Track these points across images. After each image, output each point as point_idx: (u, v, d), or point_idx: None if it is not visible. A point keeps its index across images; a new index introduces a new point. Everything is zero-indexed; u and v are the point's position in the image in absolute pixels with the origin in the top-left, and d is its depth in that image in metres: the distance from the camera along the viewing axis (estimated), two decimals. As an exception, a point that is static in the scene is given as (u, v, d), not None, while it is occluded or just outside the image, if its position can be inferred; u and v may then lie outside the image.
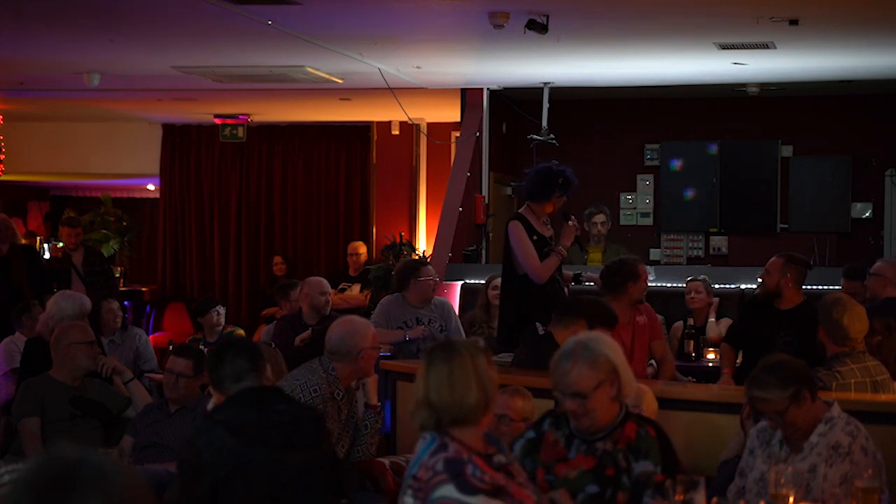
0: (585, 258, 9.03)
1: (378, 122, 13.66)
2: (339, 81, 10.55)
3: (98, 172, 14.84)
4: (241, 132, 13.55)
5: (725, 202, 11.63)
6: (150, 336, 10.51)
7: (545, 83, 10.66)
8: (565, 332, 5.24)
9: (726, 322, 7.92)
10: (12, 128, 13.30)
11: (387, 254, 10.60)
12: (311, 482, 3.93)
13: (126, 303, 12.13)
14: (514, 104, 11.65)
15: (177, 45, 9.12)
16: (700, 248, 11.84)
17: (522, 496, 3.37)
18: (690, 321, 8.14)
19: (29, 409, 5.82)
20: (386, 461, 5.23)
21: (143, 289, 14.43)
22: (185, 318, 13.08)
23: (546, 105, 10.78)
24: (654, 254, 11.81)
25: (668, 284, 8.94)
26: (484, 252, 10.77)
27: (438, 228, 10.31)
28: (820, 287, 7.68)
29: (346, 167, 13.84)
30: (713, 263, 11.04)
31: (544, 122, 10.71)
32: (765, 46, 8.66)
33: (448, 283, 9.49)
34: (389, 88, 10.23)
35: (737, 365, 6.65)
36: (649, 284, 6.78)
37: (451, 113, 11.68)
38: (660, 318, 7.29)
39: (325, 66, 9.77)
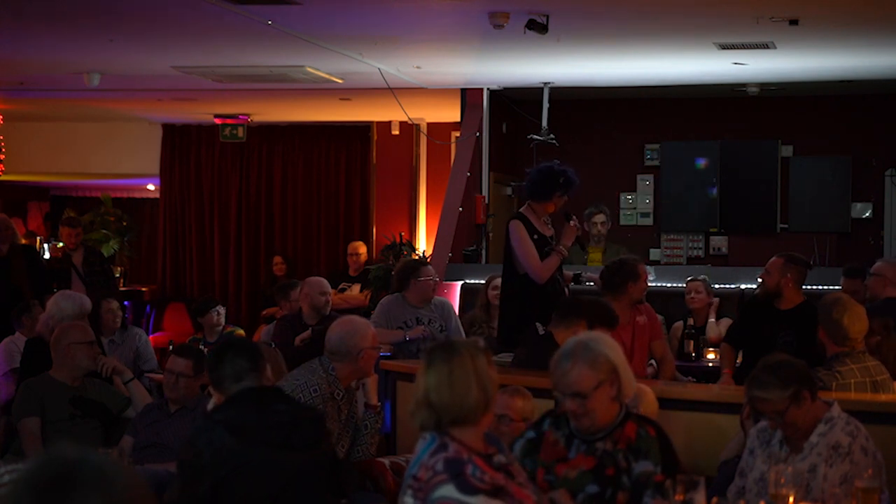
0: (586, 258, 9.03)
1: (378, 122, 13.66)
2: (339, 81, 10.55)
3: (98, 172, 14.85)
4: (241, 132, 13.55)
5: (725, 202, 11.63)
6: (150, 336, 10.51)
7: (545, 83, 10.66)
8: (566, 333, 5.24)
9: (726, 322, 7.92)
10: (12, 128, 13.30)
11: (387, 254, 10.60)
12: (311, 482, 3.93)
13: (126, 303, 12.13)
14: (514, 104, 11.65)
15: (177, 45, 9.12)
16: (700, 248, 11.84)
17: (522, 496, 3.37)
18: (690, 321, 8.14)
19: (29, 409, 5.83)
20: (386, 461, 5.23)
21: (143, 289, 14.43)
22: (185, 318, 13.08)
23: (546, 105, 10.78)
24: (654, 254, 11.81)
25: (668, 284, 8.94)
26: (484, 252, 10.77)
27: (438, 228, 10.31)
28: (820, 287, 7.68)
29: (346, 167, 13.84)
30: (713, 263, 11.04)
31: (544, 122, 10.71)
32: (765, 46, 8.66)
33: (448, 283, 9.49)
34: (389, 88, 10.23)
35: (737, 365, 6.65)
36: (649, 284, 6.78)
37: (451, 113, 11.68)
38: (660, 318, 7.29)
39: (325, 66, 9.77)
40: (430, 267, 7.59)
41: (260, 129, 13.93)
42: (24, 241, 10.80)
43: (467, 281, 9.57)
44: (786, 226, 11.53)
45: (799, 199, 11.48)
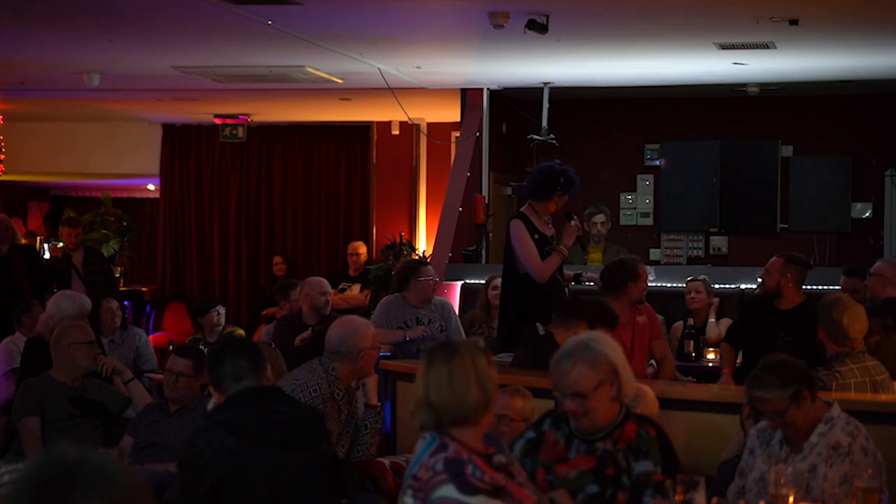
0: (586, 258, 9.03)
1: (378, 122, 13.66)
2: (339, 81, 10.55)
3: (98, 172, 14.85)
4: (241, 132, 13.55)
5: (725, 202, 11.63)
6: (150, 336, 10.51)
7: (545, 83, 10.66)
8: (566, 333, 5.24)
9: (726, 322, 7.92)
10: (12, 128, 13.30)
11: (387, 254, 10.60)
12: (311, 482, 3.93)
13: (126, 303, 12.13)
14: (514, 104, 11.65)
15: (177, 45, 9.12)
16: (700, 248, 11.84)
17: (522, 496, 3.37)
18: (690, 321, 8.14)
19: (29, 409, 5.83)
20: (386, 461, 5.23)
21: (143, 289, 14.42)
22: (185, 318, 13.08)
23: (546, 105, 10.78)
24: (654, 254, 11.81)
25: (668, 284, 8.94)
26: (484, 252, 10.77)
27: (438, 228, 10.31)
28: (820, 287, 7.68)
29: (346, 167, 13.84)
30: (713, 263, 11.04)
31: (544, 122, 10.71)
32: (765, 46, 8.66)
33: (448, 283, 9.49)
34: (389, 88, 10.23)
35: (737, 365, 6.65)
36: (649, 284, 6.78)
37: (451, 113, 11.68)
38: (660, 318, 7.29)
39: (325, 66, 9.77)
40: (430, 267, 7.59)
41: (260, 129, 13.93)
42: (24, 241, 10.80)
43: (467, 281, 9.57)
44: (786, 226, 11.53)
45: (799, 199, 11.48)
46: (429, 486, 3.25)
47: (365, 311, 9.30)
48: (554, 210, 6.77)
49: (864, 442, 4.02)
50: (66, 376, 5.94)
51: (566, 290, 6.83)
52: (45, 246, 14.16)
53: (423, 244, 12.79)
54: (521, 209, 6.84)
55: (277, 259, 13.31)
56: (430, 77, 10.46)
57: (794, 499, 3.69)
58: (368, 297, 10.48)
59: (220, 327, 8.58)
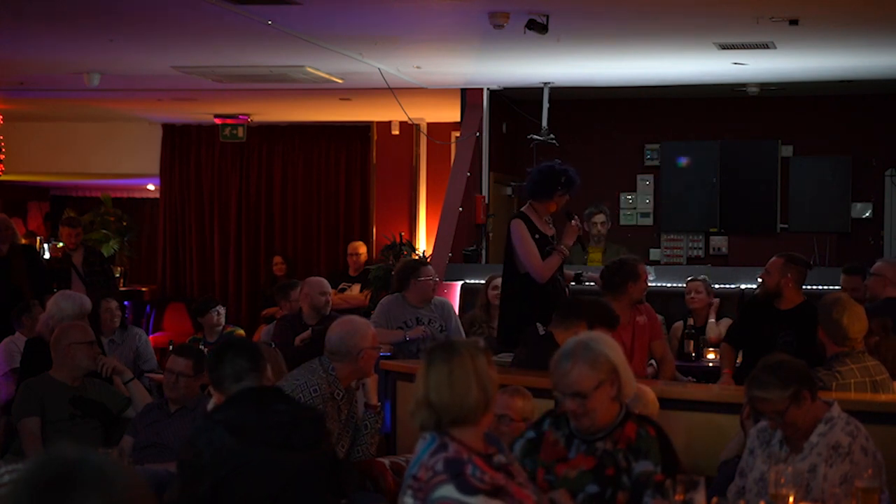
0: (586, 258, 9.03)
1: (378, 122, 13.67)
2: (339, 81, 10.55)
3: (98, 172, 14.85)
4: (241, 132, 13.55)
5: (725, 202, 11.63)
6: (150, 336, 10.51)
7: (545, 83, 10.66)
8: (566, 334, 5.23)
9: (726, 322, 7.92)
10: (12, 128, 13.30)
11: (387, 254, 10.61)
12: (311, 482, 3.93)
13: (126, 303, 12.14)
14: (514, 104, 11.65)
15: (177, 45, 9.12)
16: (700, 248, 11.84)
17: (522, 496, 3.37)
18: (690, 321, 8.14)
19: (29, 409, 5.83)
20: (386, 461, 5.23)
21: (143, 289, 14.43)
22: (185, 318, 13.08)
23: (546, 105, 10.78)
24: (654, 254, 11.81)
25: (668, 284, 8.94)
26: (484, 252, 10.77)
27: (438, 228, 10.31)
28: (820, 287, 7.68)
29: (346, 167, 13.84)
30: (713, 263, 11.04)
31: (544, 122, 10.71)
32: (765, 46, 8.66)
33: (448, 283, 9.49)
34: (389, 88, 10.23)
35: (737, 365, 6.65)
36: (649, 284, 6.78)
37: (451, 113, 11.68)
38: (660, 318, 7.29)
39: (325, 66, 9.77)
40: (430, 267, 7.59)
41: (260, 129, 13.93)
42: (24, 241, 10.80)
43: (467, 281, 9.57)
44: (786, 226, 11.53)
45: (799, 199, 11.48)
46: (429, 486, 3.25)
47: (365, 311, 9.30)
48: (554, 210, 6.76)
49: (864, 442, 4.02)
50: (66, 376, 5.94)
51: (566, 289, 6.83)
52: (45, 246, 14.16)
53: (423, 244, 12.79)
54: (522, 209, 6.84)
55: (277, 259, 13.31)
56: (430, 77, 10.46)
57: (794, 499, 3.69)
58: (368, 297, 10.48)
59: (220, 327, 8.58)
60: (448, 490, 3.23)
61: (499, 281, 7.32)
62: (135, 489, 1.76)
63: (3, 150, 12.78)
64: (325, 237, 13.79)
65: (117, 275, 12.65)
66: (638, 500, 3.68)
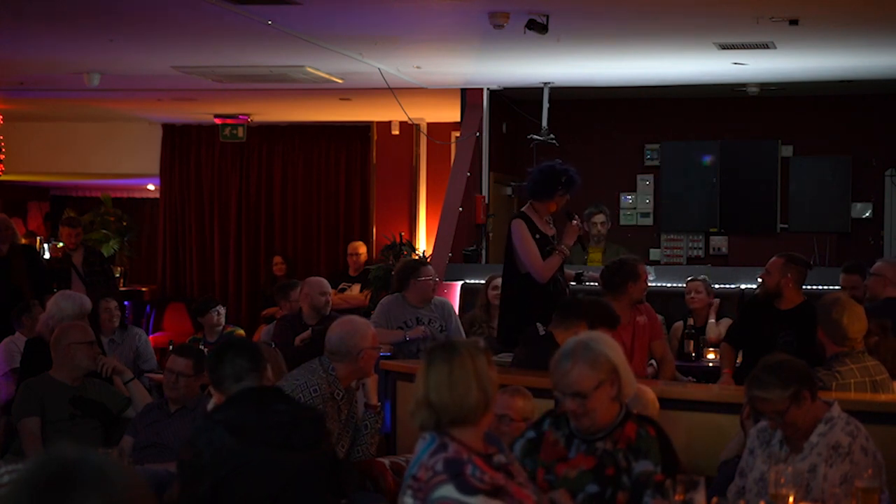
0: (586, 258, 9.03)
1: (378, 122, 13.67)
2: (339, 81, 10.55)
3: (98, 172, 14.85)
4: (241, 132, 13.55)
5: (725, 202, 11.63)
6: (150, 336, 10.51)
7: (545, 83, 10.66)
8: (566, 334, 5.23)
9: (726, 322, 7.92)
10: (12, 128, 13.30)
11: (387, 254, 10.61)
12: (311, 482, 3.93)
13: (126, 303, 12.14)
14: (514, 104, 11.65)
15: (177, 45, 9.12)
16: (700, 248, 11.84)
17: (522, 496, 3.37)
18: (690, 321, 8.14)
19: (29, 409, 5.82)
20: (386, 461, 5.23)
21: (143, 289, 14.43)
22: (185, 318, 13.08)
23: (546, 105, 10.78)
24: (654, 254, 11.81)
25: (668, 284, 8.94)
26: (484, 252, 10.77)
27: (438, 228, 10.31)
28: (820, 287, 7.68)
29: (346, 167, 13.84)
30: (713, 263, 11.04)
31: (544, 122, 10.71)
32: (765, 46, 8.66)
33: (448, 283, 9.49)
34: (389, 88, 10.23)
35: (737, 365, 6.65)
36: (649, 284, 6.78)
37: (451, 113, 11.68)
38: (660, 318, 7.29)
39: (325, 66, 9.77)
40: (430, 267, 7.59)
41: (260, 129, 13.93)
42: (24, 241, 10.80)
43: (467, 281, 9.57)
44: (786, 226, 11.53)
45: (799, 199, 11.48)
46: (428, 486, 3.25)
47: (365, 311, 9.30)
48: (555, 210, 6.76)
49: (864, 442, 4.02)
50: (66, 376, 5.94)
51: (567, 289, 6.83)
52: (45, 246, 14.16)
53: (423, 244, 12.79)
54: (523, 209, 6.84)
55: (277, 259, 13.31)
56: (430, 77, 10.46)
57: (794, 499, 3.69)
58: (368, 297, 10.48)
59: (220, 327, 8.59)
60: (448, 490, 3.23)
61: (499, 281, 7.32)
62: (135, 489, 1.76)
63: (3, 150, 12.78)
64: (325, 237, 13.80)
65: (117, 275, 12.65)
66: (638, 500, 3.68)
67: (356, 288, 11.38)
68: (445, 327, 7.39)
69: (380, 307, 7.53)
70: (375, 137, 13.77)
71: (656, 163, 11.98)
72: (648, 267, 6.99)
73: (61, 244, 11.28)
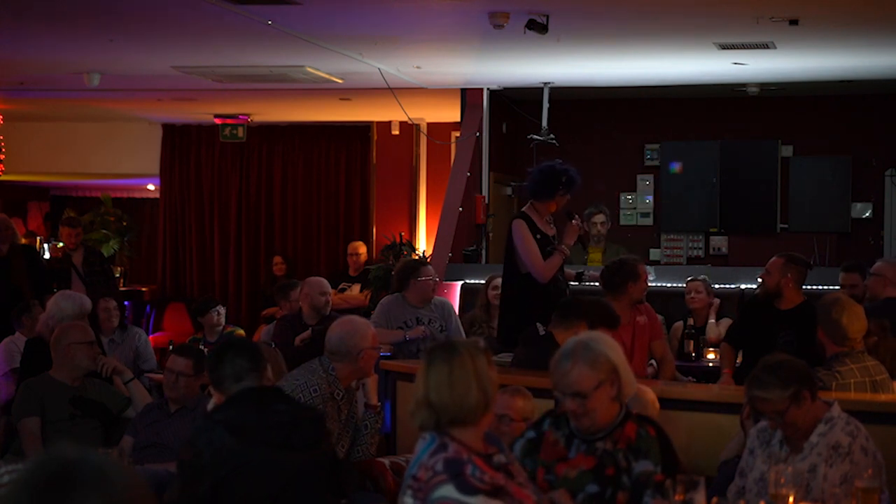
0: (586, 258, 9.03)
1: (378, 122, 13.67)
2: (339, 81, 10.55)
3: (98, 172, 14.85)
4: (241, 132, 13.55)
5: (725, 202, 11.63)
6: (150, 336, 10.50)
7: (545, 83, 10.66)
8: (566, 334, 5.23)
9: (726, 322, 7.92)
10: (12, 128, 13.30)
11: (387, 254, 10.61)
12: (311, 482, 3.93)
13: (126, 303, 12.13)
14: (514, 104, 11.65)
15: (177, 45, 9.12)
16: (700, 248, 11.84)
17: (522, 496, 3.37)
18: (690, 321, 8.14)
19: (29, 409, 5.82)
20: (386, 461, 5.23)
21: (143, 289, 14.43)
22: (185, 318, 13.08)
23: (546, 105, 10.78)
24: (654, 254, 11.81)
25: (668, 284, 8.94)
26: (484, 252, 10.77)
27: (438, 228, 10.31)
28: (820, 287, 7.68)
29: (346, 167, 13.84)
30: (713, 263, 11.04)
31: (544, 122, 10.71)
32: (765, 46, 8.66)
33: (448, 283, 9.49)
34: (389, 88, 10.23)
35: (737, 365, 6.65)
36: (649, 284, 6.78)
37: (451, 113, 11.68)
38: (660, 318, 7.29)
39: (325, 66, 9.77)
40: (430, 267, 7.59)
41: (260, 129, 13.93)
42: (24, 241, 10.80)
43: (467, 281, 9.57)
44: (786, 226, 11.53)
45: (799, 199, 11.48)
46: (428, 486, 3.25)
47: (365, 311, 9.30)
48: (555, 210, 6.76)
49: (864, 442, 4.02)
50: (66, 376, 5.94)
51: (567, 289, 6.83)
52: (45, 246, 14.16)
53: (423, 244, 12.79)
54: (523, 209, 6.84)
55: (277, 259, 13.31)
56: (430, 77, 10.46)
57: (794, 499, 3.69)
58: (368, 297, 10.48)
59: (220, 327, 8.59)
60: (448, 490, 3.23)
61: (499, 281, 7.32)
62: (135, 489, 1.76)
63: (3, 150, 12.78)
64: (325, 237, 13.80)
65: (117, 275, 12.65)
66: (638, 500, 3.68)
67: (356, 288, 11.38)
68: (445, 327, 7.39)
69: (380, 307, 7.53)
70: (375, 137, 13.77)
71: (656, 163, 11.98)
72: (648, 267, 6.99)
73: (61, 244, 11.28)
